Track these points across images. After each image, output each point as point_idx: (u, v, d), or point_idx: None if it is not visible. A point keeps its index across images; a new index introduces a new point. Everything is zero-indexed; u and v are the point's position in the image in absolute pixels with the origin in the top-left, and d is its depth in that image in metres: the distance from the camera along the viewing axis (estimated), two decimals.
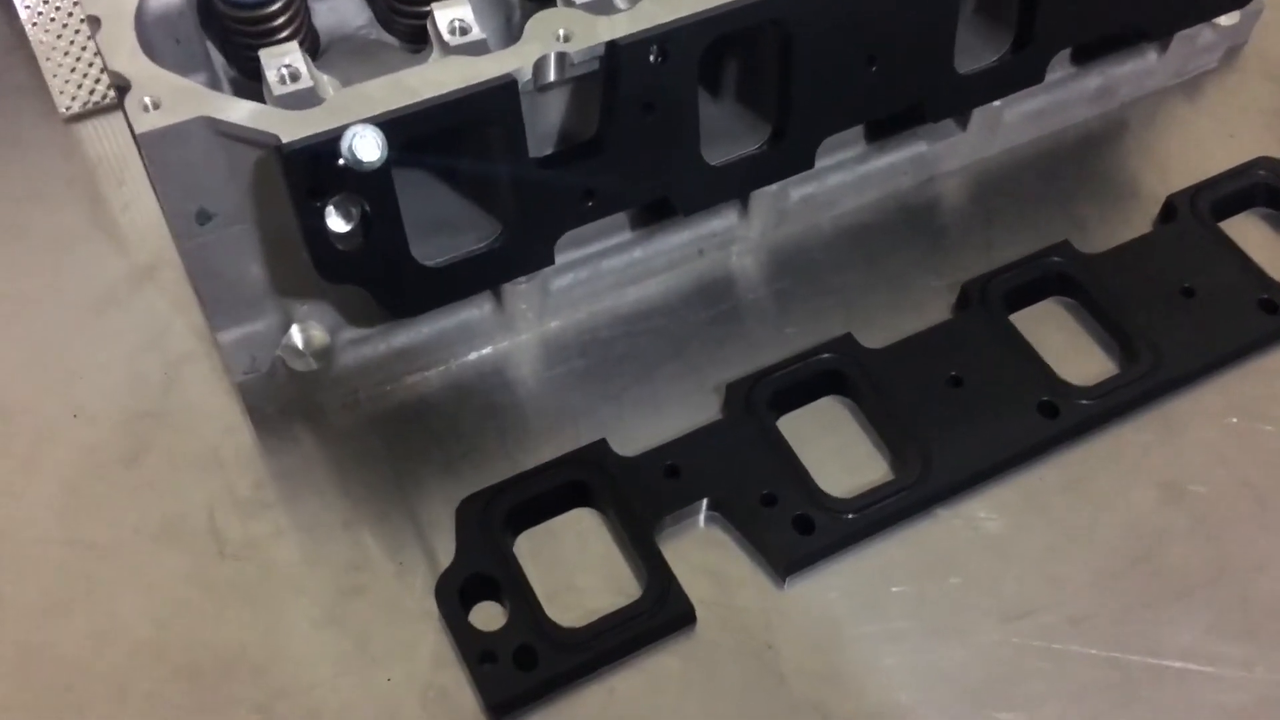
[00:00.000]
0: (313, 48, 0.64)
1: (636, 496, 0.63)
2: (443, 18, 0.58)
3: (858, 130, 0.74)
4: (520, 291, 0.68)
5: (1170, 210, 0.75)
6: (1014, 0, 0.69)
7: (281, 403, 0.66)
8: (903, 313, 0.72)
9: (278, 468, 0.65)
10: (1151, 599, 0.61)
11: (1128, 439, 0.67)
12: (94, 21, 0.56)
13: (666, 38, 0.58)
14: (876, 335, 0.70)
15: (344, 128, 0.51)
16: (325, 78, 0.60)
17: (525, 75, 0.57)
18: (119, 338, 0.69)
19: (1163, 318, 0.70)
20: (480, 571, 0.60)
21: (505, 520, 0.62)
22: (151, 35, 0.58)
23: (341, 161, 0.51)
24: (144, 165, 0.55)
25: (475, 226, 0.62)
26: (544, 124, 0.63)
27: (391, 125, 0.53)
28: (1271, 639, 0.60)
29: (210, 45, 0.62)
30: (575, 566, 0.62)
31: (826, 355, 0.69)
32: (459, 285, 0.62)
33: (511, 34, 0.66)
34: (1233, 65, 0.86)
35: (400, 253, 0.58)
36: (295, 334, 0.64)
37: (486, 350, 0.70)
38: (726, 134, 0.67)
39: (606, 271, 0.71)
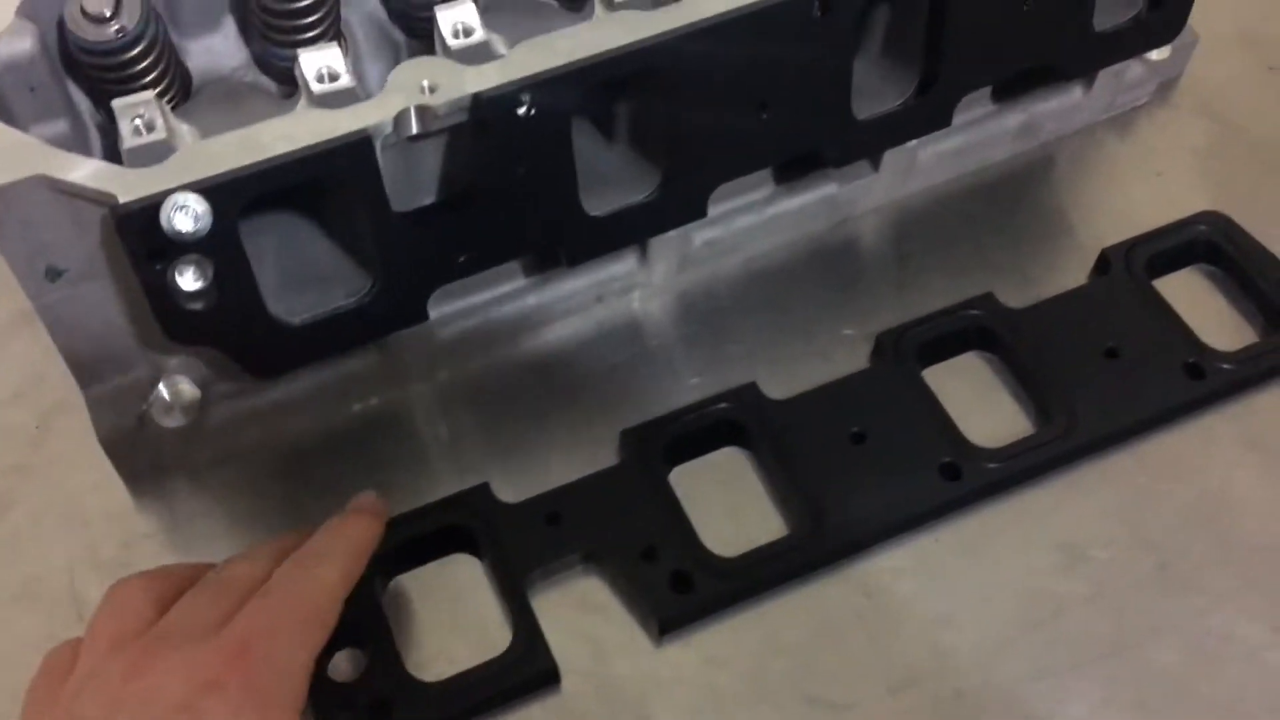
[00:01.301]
0: (183, 91, 0.62)
1: (513, 544, 0.61)
2: (309, 64, 0.56)
3: (765, 171, 0.72)
4: (405, 343, 0.66)
5: (1104, 263, 0.72)
6: (918, 43, 0.66)
7: (151, 458, 0.64)
8: (812, 362, 0.70)
9: (146, 526, 0.63)
10: (1044, 670, 0.59)
11: (1032, 500, 0.65)
12: None
13: (537, 89, 0.56)
14: (784, 385, 0.68)
15: (167, 193, 0.49)
16: (185, 128, 0.58)
17: (385, 129, 0.55)
18: None
19: (1083, 379, 0.67)
20: (342, 615, 0.56)
21: (376, 563, 0.59)
22: (2, 84, 0.56)
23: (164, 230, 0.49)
24: None
25: (347, 280, 0.60)
26: (421, 172, 0.60)
27: (235, 184, 0.51)
28: (1162, 710, 0.58)
29: (75, 89, 0.60)
30: (447, 616, 0.60)
31: (725, 405, 0.66)
32: (324, 344, 0.60)
33: None
34: (1166, 100, 0.83)
35: (255, 311, 0.56)
36: (163, 389, 0.62)
37: (373, 401, 0.68)
38: (618, 180, 0.65)
39: (498, 320, 0.69)
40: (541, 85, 0.56)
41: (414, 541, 0.61)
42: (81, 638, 0.50)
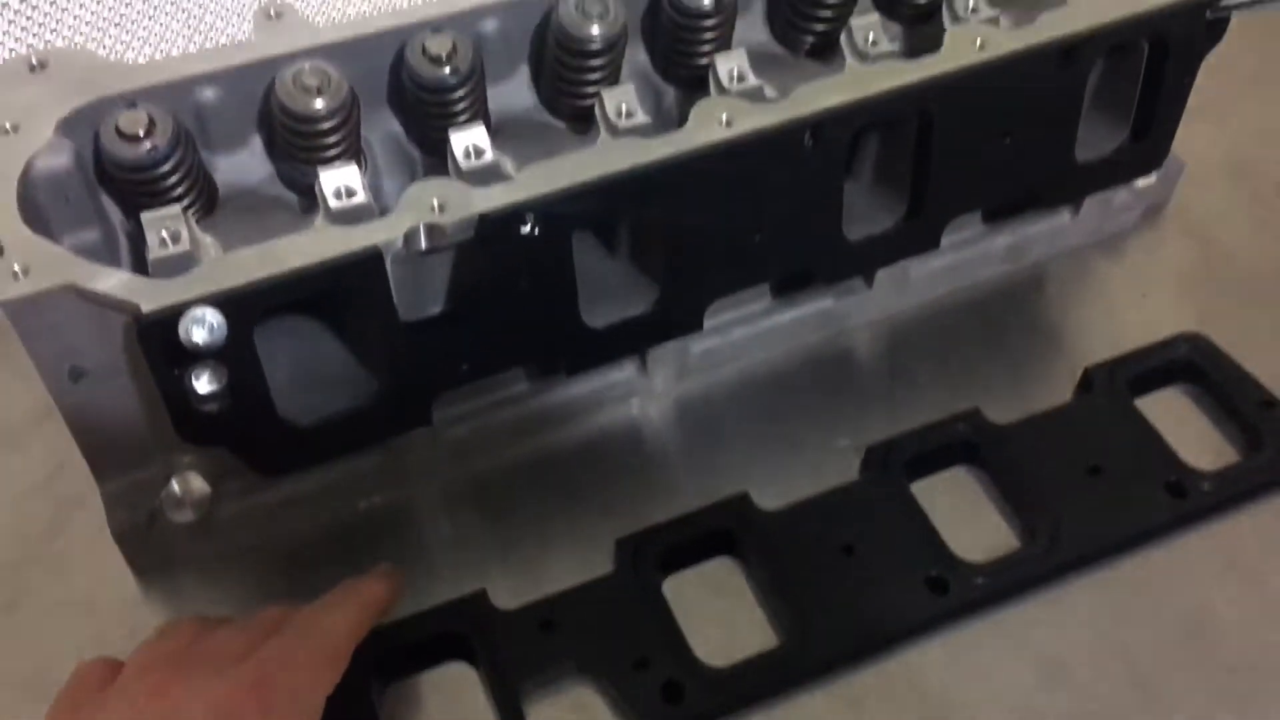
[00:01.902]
0: (209, 204, 0.66)
1: (508, 652, 0.62)
2: (329, 182, 0.60)
3: (762, 285, 0.75)
4: (409, 444, 0.68)
5: (1088, 382, 0.75)
6: (907, 171, 0.69)
7: (161, 552, 0.66)
8: (804, 472, 0.71)
9: (153, 618, 0.65)
10: None
11: (1014, 615, 0.66)
12: None
13: (540, 209, 0.59)
14: (776, 494, 0.70)
15: (186, 306, 0.52)
16: (208, 239, 0.61)
17: (396, 245, 0.58)
18: (11, 479, 0.70)
19: (1067, 496, 0.68)
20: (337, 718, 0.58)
21: (372, 669, 0.61)
22: (38, 196, 0.59)
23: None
24: None
25: (354, 383, 0.63)
26: (429, 283, 0.63)
27: (252, 296, 0.54)
28: None
29: (107, 200, 0.64)
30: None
31: (718, 515, 0.68)
32: (331, 444, 0.62)
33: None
34: (1154, 224, 0.86)
35: (265, 414, 0.58)
36: (175, 485, 0.64)
37: (377, 500, 0.70)
38: (618, 293, 0.68)
39: (500, 424, 0.71)
40: (545, 206, 0.59)
41: (411, 648, 0.63)
42: (115, 658, 0.54)
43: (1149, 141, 0.75)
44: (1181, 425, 0.73)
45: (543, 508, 0.70)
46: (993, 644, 0.65)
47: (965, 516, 0.70)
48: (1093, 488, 0.69)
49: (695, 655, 0.63)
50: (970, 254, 0.80)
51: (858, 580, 0.65)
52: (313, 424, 0.61)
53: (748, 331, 0.76)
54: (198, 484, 0.65)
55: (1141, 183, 0.83)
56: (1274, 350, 0.76)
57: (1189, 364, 0.75)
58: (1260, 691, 0.63)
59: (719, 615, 0.66)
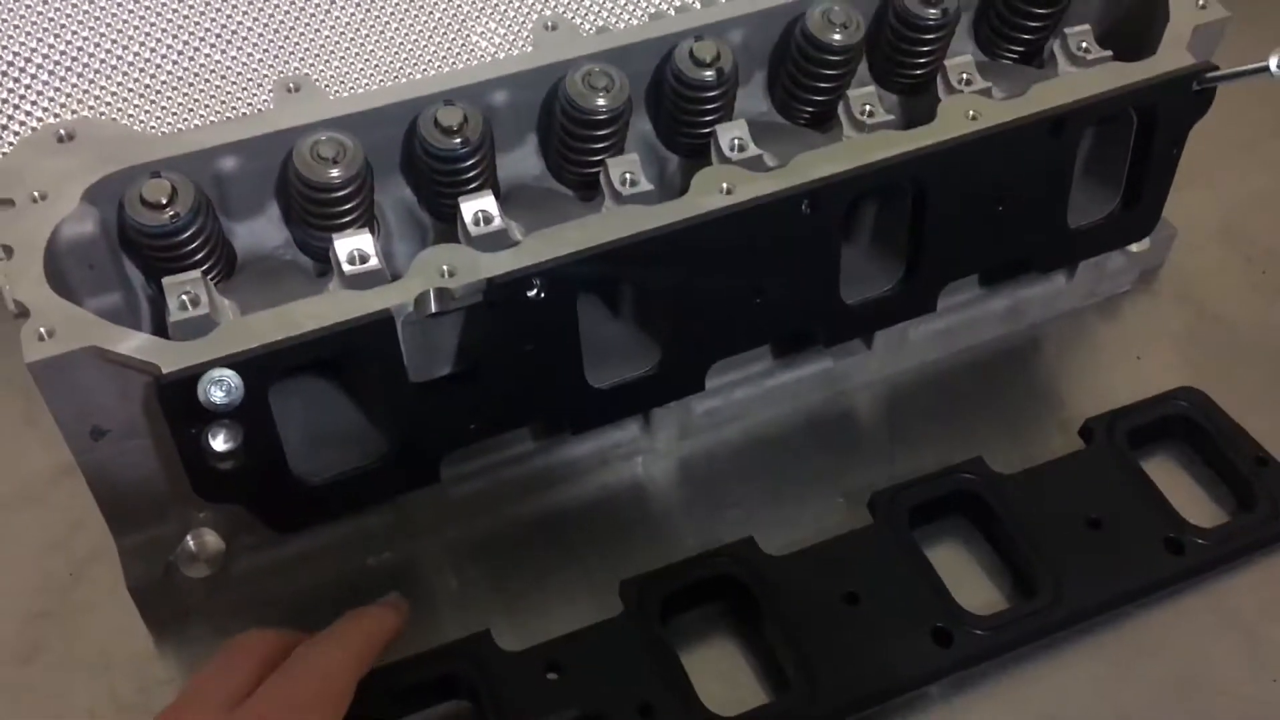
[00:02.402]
0: (228, 268, 0.68)
1: (511, 695, 0.62)
2: (342, 248, 0.62)
3: (764, 347, 0.77)
4: (418, 501, 0.70)
5: (1088, 433, 0.76)
6: (903, 237, 0.72)
7: (175, 606, 0.67)
8: (804, 528, 0.73)
9: (165, 672, 0.66)
10: None
11: (1014, 673, 0.67)
12: (7, 250, 0.60)
13: (546, 274, 0.61)
14: (779, 547, 0.71)
15: (205, 367, 0.54)
16: (226, 303, 0.63)
17: (407, 309, 0.60)
18: (31, 534, 0.72)
19: (1067, 548, 0.69)
20: None
21: (370, 709, 0.59)
22: (62, 262, 0.62)
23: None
24: None
25: (364, 442, 0.65)
26: (439, 345, 0.65)
27: (267, 359, 0.56)
28: None
29: (129, 264, 0.66)
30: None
31: (723, 559, 0.69)
32: (341, 502, 0.64)
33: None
34: (1148, 287, 0.88)
35: (279, 472, 0.60)
36: (189, 540, 0.66)
37: (386, 555, 0.72)
38: (621, 353, 0.70)
39: (507, 481, 0.73)
40: (551, 271, 0.62)
41: (413, 688, 0.63)
42: None
43: (1139, 209, 0.77)
44: (1177, 480, 0.75)
45: (547, 563, 0.72)
46: (992, 704, 0.66)
47: (966, 566, 0.71)
48: (1093, 541, 0.70)
49: (701, 702, 0.63)
50: (968, 316, 0.82)
51: (863, 629, 0.66)
52: (324, 482, 0.63)
53: (749, 392, 0.77)
54: (212, 540, 0.66)
55: (1135, 247, 0.85)
56: (1266, 409, 0.77)
57: (1186, 419, 0.77)
58: None
59: (723, 661, 0.67)
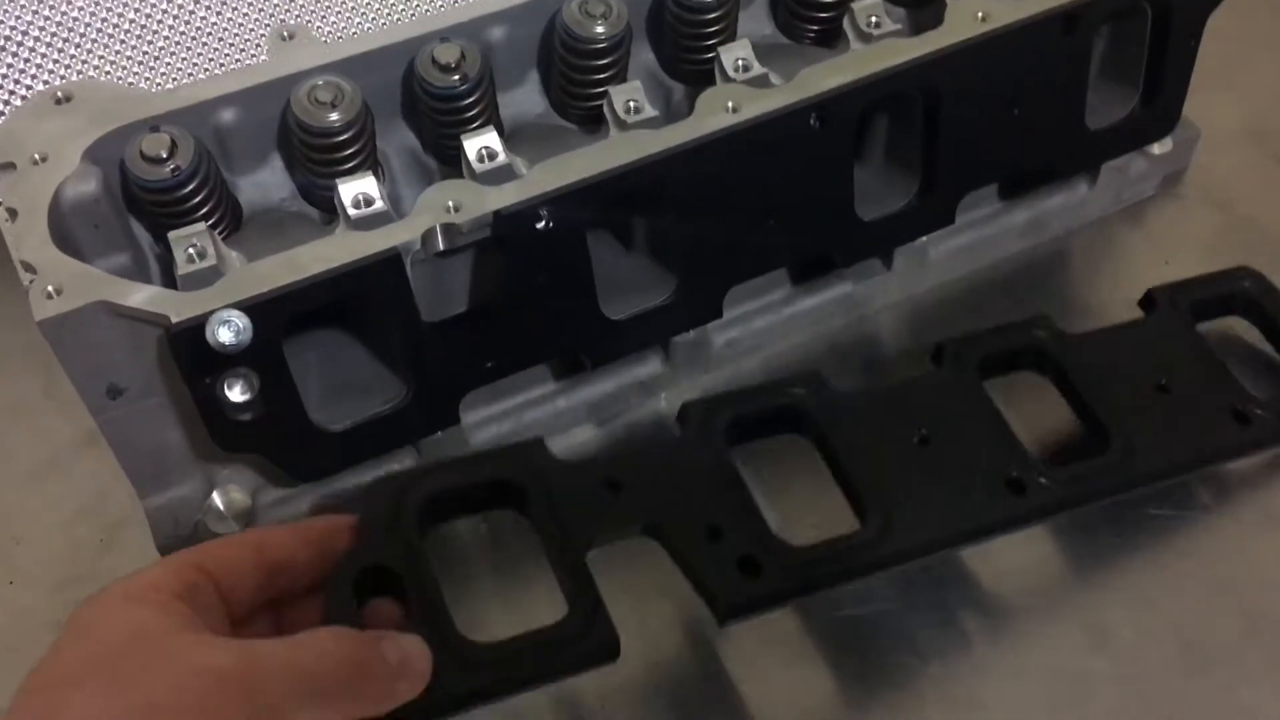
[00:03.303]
0: (234, 222, 0.67)
1: (571, 508, 0.57)
2: (347, 192, 0.61)
3: (781, 273, 0.76)
4: (440, 446, 0.69)
5: (1149, 304, 0.73)
6: (917, 149, 0.70)
7: None
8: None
9: None
10: None
11: (1057, 579, 0.66)
12: (11, 213, 0.59)
13: (554, 204, 0.60)
14: None
15: (213, 311, 0.53)
16: (234, 254, 0.63)
17: (414, 247, 0.59)
18: (59, 504, 0.72)
19: (1137, 410, 0.66)
20: (382, 564, 0.53)
21: (420, 511, 0.55)
22: (68, 224, 0.61)
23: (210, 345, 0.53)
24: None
25: (383, 387, 0.64)
26: (453, 285, 0.65)
27: (276, 301, 0.56)
28: None
29: (135, 223, 0.66)
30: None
31: (792, 390, 0.64)
32: (362, 448, 0.63)
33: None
34: (1174, 192, 0.86)
35: (298, 419, 0.60)
36: (216, 498, 0.65)
37: None
38: (636, 285, 0.69)
39: (529, 423, 0.72)
40: (558, 201, 0.61)
41: (460, 492, 0.58)
42: None
43: (1159, 105, 0.75)
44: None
45: None
46: (1035, 609, 0.65)
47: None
48: (1163, 405, 0.67)
49: (771, 530, 0.59)
50: (989, 231, 0.80)
51: (934, 471, 0.62)
52: (344, 428, 0.62)
53: (769, 320, 0.76)
54: (239, 496, 0.66)
55: (1158, 150, 0.82)
56: None
57: (1247, 297, 0.74)
58: None
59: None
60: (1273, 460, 0.70)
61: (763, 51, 0.73)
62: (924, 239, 0.77)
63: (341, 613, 0.51)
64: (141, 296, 0.56)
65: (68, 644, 0.45)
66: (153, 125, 0.62)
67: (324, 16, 0.87)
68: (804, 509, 0.64)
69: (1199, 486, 0.70)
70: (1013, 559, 0.67)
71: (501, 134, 0.72)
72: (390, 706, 0.48)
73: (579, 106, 0.72)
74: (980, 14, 0.67)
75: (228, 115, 0.66)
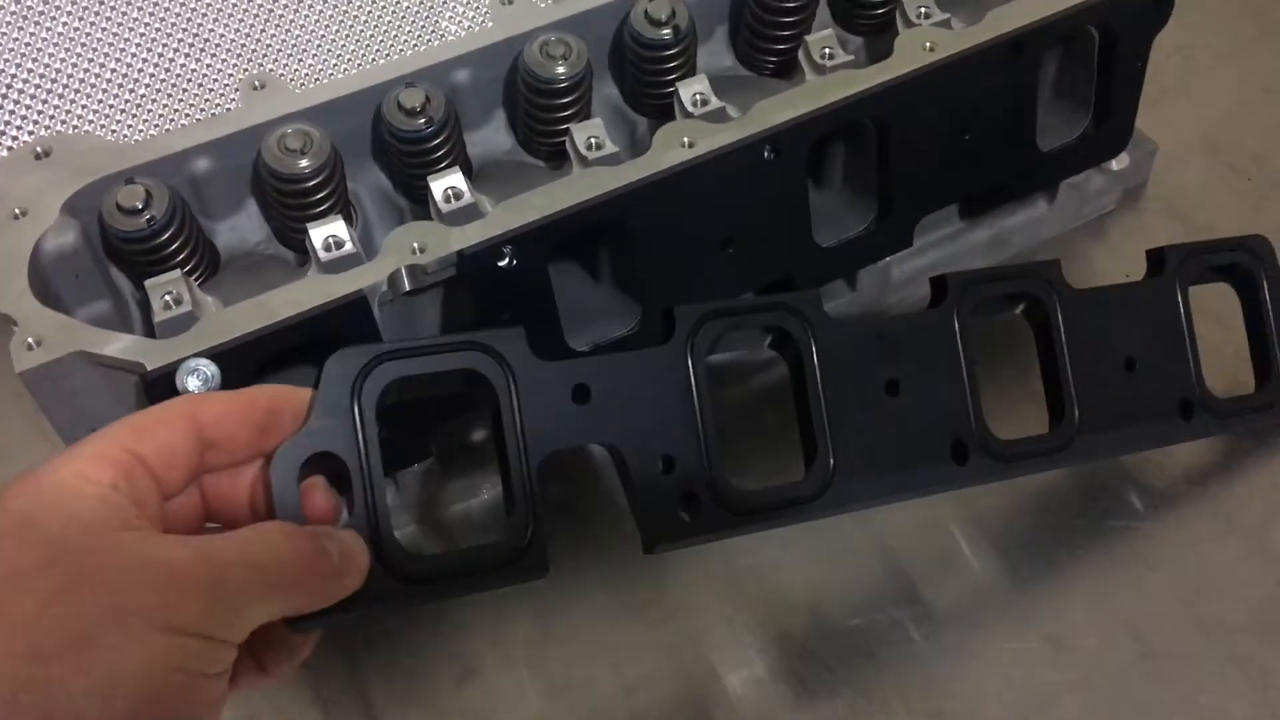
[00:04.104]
0: (212, 267, 0.70)
1: (534, 412, 0.54)
2: (317, 235, 0.63)
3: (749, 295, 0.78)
4: (414, 475, 0.71)
5: (1159, 263, 0.71)
6: (872, 174, 0.72)
7: None
8: None
9: None
10: None
11: (1017, 589, 0.68)
12: None
13: (515, 242, 0.63)
14: None
15: (180, 362, 0.56)
16: (209, 299, 0.65)
17: (381, 289, 0.61)
18: None
19: (1098, 388, 0.66)
20: (332, 453, 0.50)
21: (380, 397, 0.52)
22: (48, 274, 0.63)
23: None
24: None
25: None
26: (423, 321, 0.67)
27: (246, 347, 0.58)
28: None
29: (116, 271, 0.68)
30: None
31: (786, 310, 0.60)
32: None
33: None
34: (1134, 205, 0.88)
35: None
36: None
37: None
38: (605, 314, 0.70)
39: None
40: (520, 238, 0.63)
41: (429, 379, 0.53)
42: None
43: (1110, 125, 0.77)
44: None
45: None
46: (996, 623, 0.66)
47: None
48: (1122, 386, 0.67)
49: (722, 468, 0.57)
50: (951, 250, 0.82)
51: (891, 424, 0.62)
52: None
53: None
54: None
55: (1115, 165, 0.84)
56: None
57: (1242, 268, 0.73)
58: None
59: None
60: (1225, 464, 0.72)
61: (722, 84, 0.75)
62: (887, 260, 0.79)
63: (285, 501, 0.48)
64: (118, 346, 0.58)
65: (9, 538, 0.42)
66: (128, 177, 0.65)
67: (300, 60, 0.89)
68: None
69: (1152, 494, 0.72)
70: (971, 572, 0.68)
71: (470, 172, 0.74)
72: (332, 601, 0.48)
73: (544, 143, 0.74)
74: (928, 44, 0.69)
75: (201, 164, 0.68)
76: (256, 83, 0.70)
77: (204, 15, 0.87)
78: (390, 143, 0.70)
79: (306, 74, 0.90)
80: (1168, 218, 0.87)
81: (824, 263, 0.73)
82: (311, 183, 0.66)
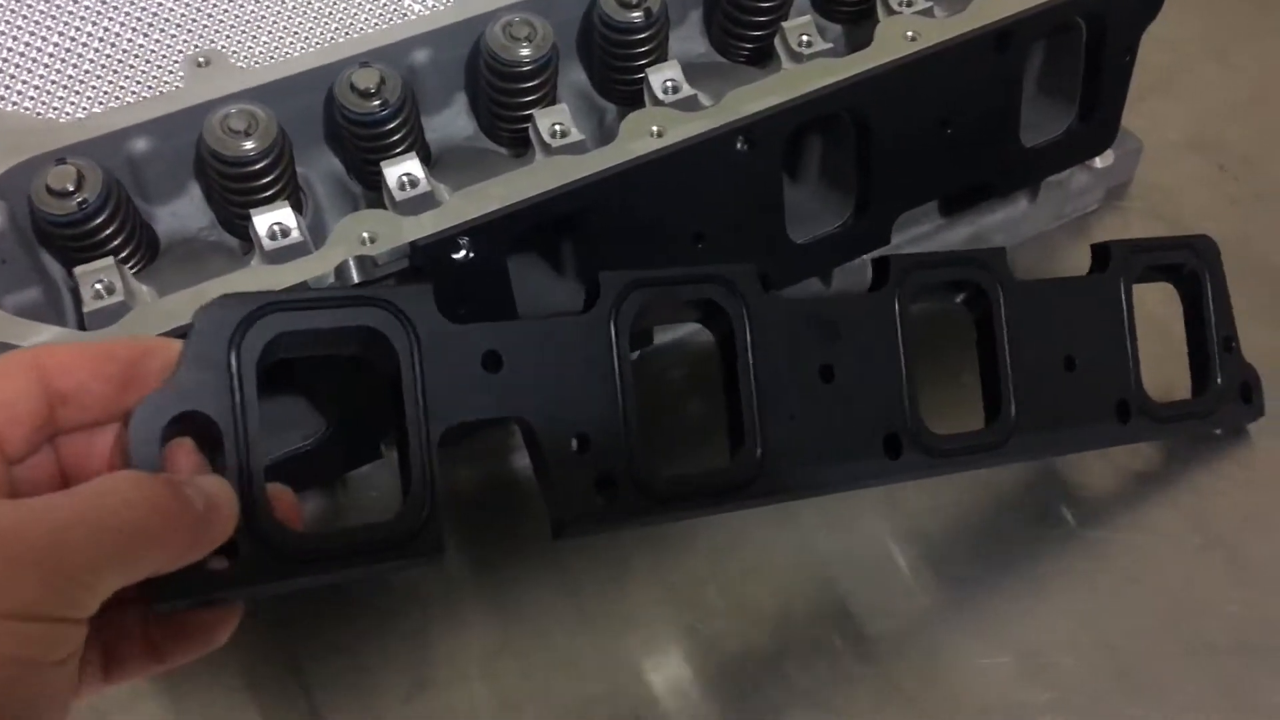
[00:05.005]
0: (150, 254, 0.66)
1: (438, 377, 0.49)
2: (262, 223, 0.60)
3: None
4: (365, 477, 0.68)
5: (1104, 258, 0.68)
6: (851, 169, 0.69)
7: None
8: None
9: None
10: None
11: (993, 604, 0.65)
12: None
13: (472, 234, 0.59)
14: None
15: None
16: (145, 289, 0.61)
17: (328, 280, 0.58)
18: None
19: (1037, 387, 0.63)
20: (201, 412, 0.44)
21: (261, 354, 0.46)
22: None
23: None
24: None
25: (304, 423, 0.63)
26: None
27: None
28: None
29: (47, 257, 0.64)
30: None
31: (714, 285, 0.56)
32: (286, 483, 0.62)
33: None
34: (1117, 205, 0.86)
35: None
36: None
37: None
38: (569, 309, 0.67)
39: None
40: (477, 230, 0.59)
41: (317, 337, 0.48)
42: None
43: (1096, 120, 0.74)
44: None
45: None
46: (969, 639, 0.64)
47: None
48: (1061, 385, 0.64)
49: (641, 450, 0.53)
50: (930, 247, 0.79)
51: (824, 414, 0.58)
52: (265, 465, 0.60)
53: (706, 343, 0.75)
54: None
55: (1100, 163, 0.82)
56: (1244, 328, 0.73)
57: (1187, 270, 0.71)
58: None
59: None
60: (1214, 479, 0.69)
61: (696, 71, 0.72)
62: (863, 258, 0.76)
63: (144, 464, 0.42)
64: (42, 338, 0.54)
65: None
66: (59, 157, 0.61)
67: (255, 38, 0.85)
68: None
69: (1128, 506, 0.70)
70: (943, 587, 0.66)
71: (428, 159, 0.71)
72: (198, 556, 0.41)
73: (507, 129, 0.71)
74: (910, 33, 0.66)
75: (139, 145, 0.64)
76: (201, 59, 0.66)
77: None
78: (343, 126, 0.66)
79: (261, 52, 0.85)
80: (1151, 217, 0.84)
81: (799, 260, 0.70)
82: (256, 166, 0.63)
